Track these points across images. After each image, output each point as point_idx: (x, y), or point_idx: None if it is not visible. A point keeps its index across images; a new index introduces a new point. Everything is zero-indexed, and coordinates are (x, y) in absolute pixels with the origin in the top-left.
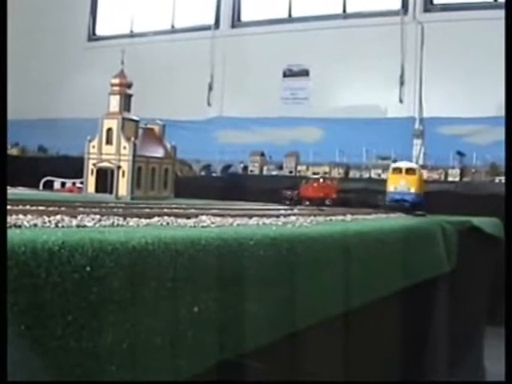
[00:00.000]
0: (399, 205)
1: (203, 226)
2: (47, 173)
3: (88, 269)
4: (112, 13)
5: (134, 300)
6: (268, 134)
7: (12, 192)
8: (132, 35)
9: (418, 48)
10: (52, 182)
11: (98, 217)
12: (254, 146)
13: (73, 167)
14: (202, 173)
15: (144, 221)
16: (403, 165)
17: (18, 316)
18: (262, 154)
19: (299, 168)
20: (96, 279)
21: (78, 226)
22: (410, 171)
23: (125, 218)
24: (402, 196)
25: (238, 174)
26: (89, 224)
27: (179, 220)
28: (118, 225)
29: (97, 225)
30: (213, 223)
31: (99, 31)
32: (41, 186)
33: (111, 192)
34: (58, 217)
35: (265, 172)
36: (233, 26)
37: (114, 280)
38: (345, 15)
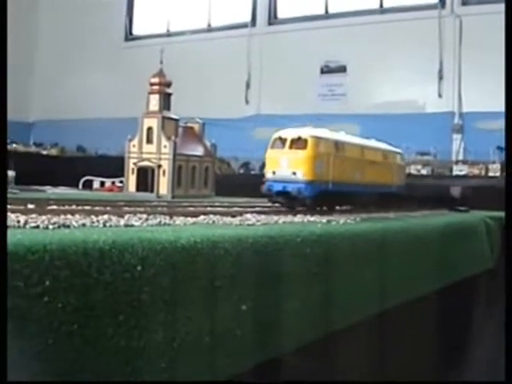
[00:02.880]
0: (278, 199)
1: (249, 224)
2: (86, 172)
3: (138, 268)
4: (148, 13)
5: (184, 299)
6: None
7: (54, 192)
8: (169, 34)
9: (457, 41)
10: (91, 181)
11: (144, 216)
12: None
13: (111, 166)
14: (241, 170)
15: (190, 219)
16: (288, 133)
17: (70, 316)
18: None
19: None
20: (146, 278)
21: (125, 226)
22: (298, 143)
23: (171, 217)
24: (284, 186)
25: None
26: (136, 223)
27: (225, 218)
28: (164, 224)
29: (144, 224)
30: (258, 221)
31: (136, 31)
32: (80, 186)
33: (152, 191)
34: (106, 216)
35: None
36: (269, 24)
37: (164, 279)
38: (382, 10)
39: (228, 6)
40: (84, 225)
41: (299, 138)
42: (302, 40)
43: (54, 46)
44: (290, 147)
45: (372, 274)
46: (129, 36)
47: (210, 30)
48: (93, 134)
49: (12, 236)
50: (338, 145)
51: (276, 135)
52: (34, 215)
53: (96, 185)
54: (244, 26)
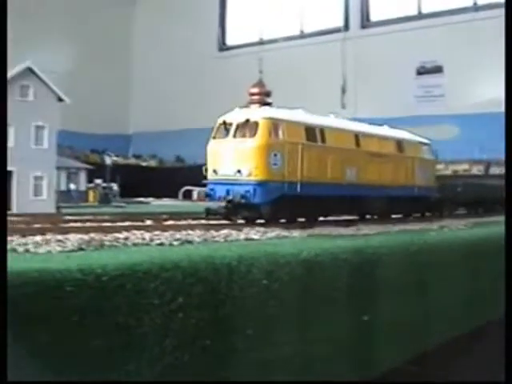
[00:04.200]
0: (218, 209)
1: (364, 234)
2: (185, 182)
3: (264, 282)
4: (241, 22)
5: (311, 311)
6: None
7: (158, 204)
8: (261, 43)
9: None
10: (190, 191)
11: (262, 229)
12: None
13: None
14: None
15: (306, 231)
16: (234, 117)
17: (202, 331)
18: None
19: (438, 166)
20: (272, 292)
21: (246, 239)
22: (245, 129)
23: (288, 229)
24: (228, 189)
25: None
26: (255, 237)
27: (339, 229)
28: (282, 236)
29: (263, 237)
30: (371, 230)
31: (229, 41)
32: (180, 196)
33: None
34: (226, 231)
35: None
36: (362, 27)
37: (289, 292)
38: (476, 7)
39: (320, 11)
40: (205, 240)
41: (247, 122)
42: (396, 42)
43: (150, 60)
44: (235, 135)
45: (493, 279)
46: (222, 46)
47: (302, 36)
48: (190, 144)
49: (142, 253)
50: (312, 131)
51: (220, 120)
52: (157, 232)
53: (195, 195)
54: (337, 30)
